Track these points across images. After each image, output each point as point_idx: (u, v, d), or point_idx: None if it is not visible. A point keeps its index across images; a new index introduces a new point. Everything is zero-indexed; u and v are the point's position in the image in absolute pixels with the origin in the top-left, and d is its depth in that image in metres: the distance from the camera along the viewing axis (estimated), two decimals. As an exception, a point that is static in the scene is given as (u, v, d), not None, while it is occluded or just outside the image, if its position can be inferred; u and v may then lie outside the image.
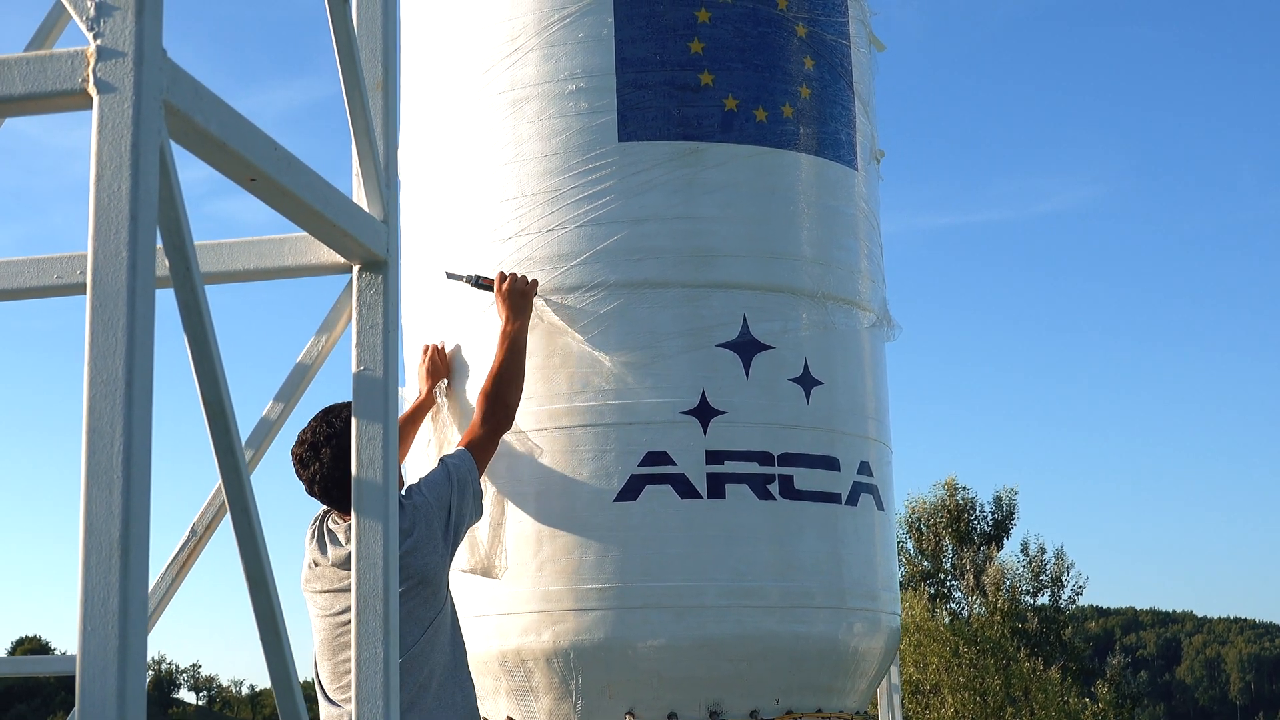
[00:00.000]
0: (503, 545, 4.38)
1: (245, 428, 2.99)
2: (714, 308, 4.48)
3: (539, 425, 4.44)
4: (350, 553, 3.17)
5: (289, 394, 3.07)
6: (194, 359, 2.10)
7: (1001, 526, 31.16)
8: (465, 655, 4.08)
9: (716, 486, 4.38)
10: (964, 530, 30.57)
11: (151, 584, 3.04)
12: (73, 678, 1.76)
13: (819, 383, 4.58)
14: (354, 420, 2.59)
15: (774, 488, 4.43)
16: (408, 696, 3.83)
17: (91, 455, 1.75)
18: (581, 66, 4.58)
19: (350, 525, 3.26)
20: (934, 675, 26.52)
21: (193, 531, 3.19)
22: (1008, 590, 29.40)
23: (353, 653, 2.53)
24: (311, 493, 4.02)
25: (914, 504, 30.83)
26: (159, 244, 1.90)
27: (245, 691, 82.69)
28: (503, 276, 4.44)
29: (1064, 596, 31.03)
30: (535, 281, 4.45)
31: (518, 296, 4.39)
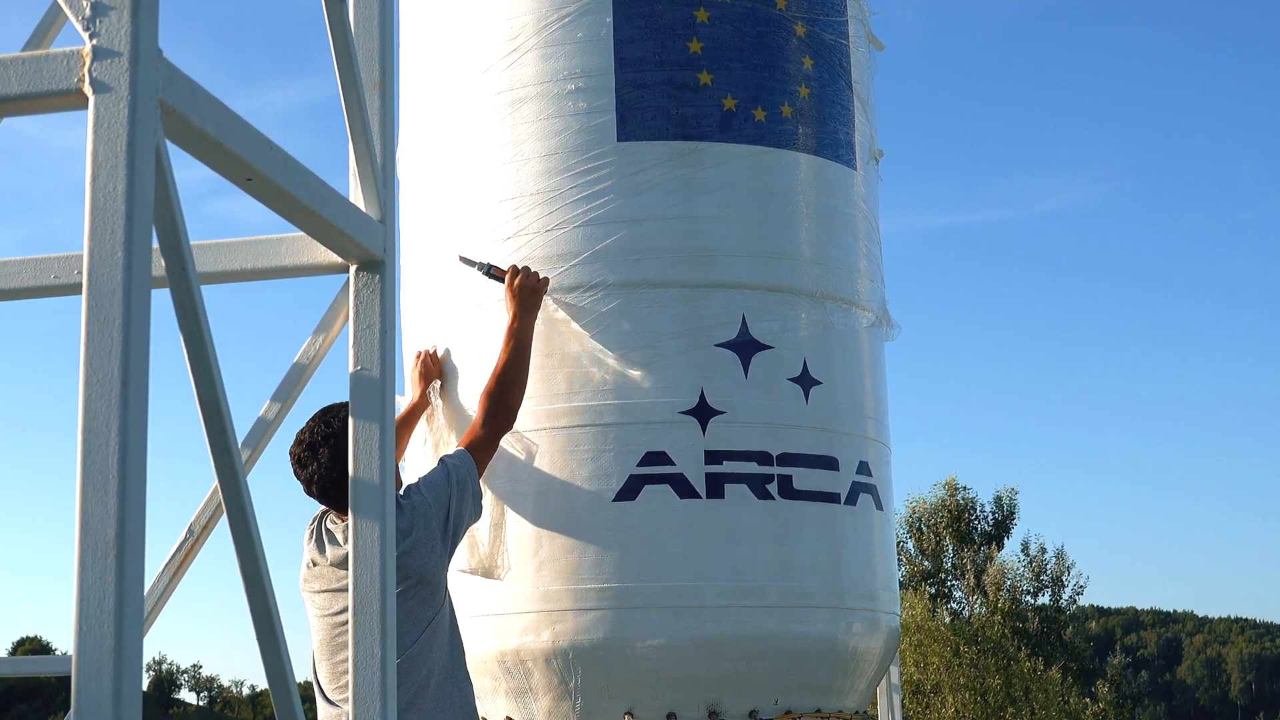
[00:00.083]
0: (504, 546, 4.37)
1: (242, 428, 2.99)
2: (713, 307, 4.48)
3: (538, 425, 4.43)
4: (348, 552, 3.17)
5: (286, 394, 3.06)
6: (190, 359, 2.10)
7: (1002, 526, 31.12)
8: (464, 655, 4.06)
9: (715, 486, 4.38)
10: (964, 530, 30.53)
11: (148, 584, 3.05)
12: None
13: (818, 382, 4.58)
14: (351, 420, 2.58)
15: (773, 487, 4.43)
16: (405, 696, 3.82)
17: (87, 455, 1.75)
18: (580, 66, 4.58)
19: (348, 525, 3.25)
20: (934, 675, 26.50)
21: (190, 532, 3.18)
22: (1008, 590, 29.36)
23: (350, 653, 2.53)
24: (309, 493, 4.01)
25: (914, 504, 30.80)
26: (155, 244, 1.90)
27: (246, 692, 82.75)
28: (515, 270, 4.39)
29: (1064, 596, 30.99)
30: (547, 279, 4.42)
31: (528, 293, 4.35)
